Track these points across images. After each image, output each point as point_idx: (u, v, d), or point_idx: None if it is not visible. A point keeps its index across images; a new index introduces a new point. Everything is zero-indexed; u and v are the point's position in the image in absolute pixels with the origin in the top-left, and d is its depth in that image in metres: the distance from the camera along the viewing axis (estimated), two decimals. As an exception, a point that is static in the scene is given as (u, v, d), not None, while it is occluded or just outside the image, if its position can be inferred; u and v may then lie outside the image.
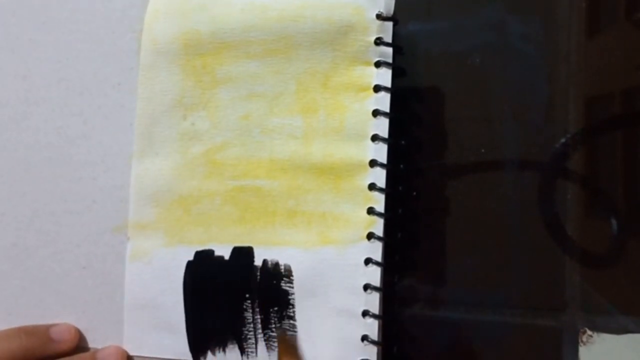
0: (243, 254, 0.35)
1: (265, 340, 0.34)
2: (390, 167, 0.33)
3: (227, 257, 0.35)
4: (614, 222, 0.33)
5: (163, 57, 0.36)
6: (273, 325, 0.34)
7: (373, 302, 0.33)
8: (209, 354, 0.36)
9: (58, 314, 0.39)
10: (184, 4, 0.35)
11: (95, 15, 0.39)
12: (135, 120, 0.37)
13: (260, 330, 0.34)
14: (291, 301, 0.34)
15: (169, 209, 0.36)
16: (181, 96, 0.36)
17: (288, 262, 0.34)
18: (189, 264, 0.36)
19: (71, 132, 0.39)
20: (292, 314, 0.34)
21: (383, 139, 0.33)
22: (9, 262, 0.40)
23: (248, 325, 0.35)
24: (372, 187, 0.33)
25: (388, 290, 0.34)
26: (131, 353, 0.37)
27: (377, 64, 0.33)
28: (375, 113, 0.33)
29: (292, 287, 0.34)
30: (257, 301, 0.34)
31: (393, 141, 0.33)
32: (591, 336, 0.32)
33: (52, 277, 0.39)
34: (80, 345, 0.38)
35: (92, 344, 0.38)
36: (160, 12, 0.36)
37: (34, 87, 0.40)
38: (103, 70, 0.39)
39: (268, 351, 0.34)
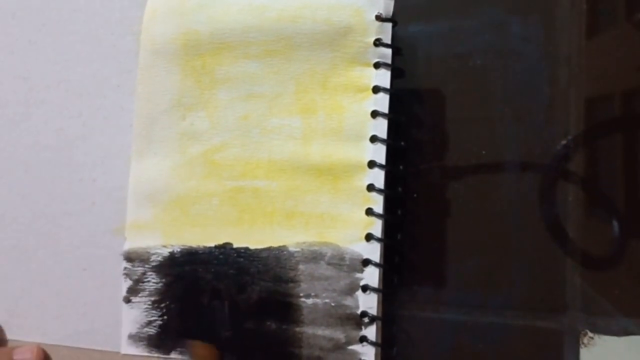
0: (240, 255, 0.35)
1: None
2: (390, 168, 0.33)
3: (224, 257, 0.35)
4: (615, 223, 0.32)
5: (162, 57, 0.36)
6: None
7: (371, 303, 0.33)
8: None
9: (58, 316, 0.39)
10: (182, 4, 0.35)
11: (95, 16, 0.39)
12: (134, 121, 0.37)
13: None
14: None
15: (167, 209, 0.36)
16: (180, 96, 0.36)
17: None
18: (186, 264, 0.35)
19: (71, 133, 0.39)
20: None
21: (382, 140, 0.33)
22: (9, 263, 0.40)
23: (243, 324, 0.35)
24: (370, 188, 0.33)
25: (387, 291, 0.34)
26: (128, 352, 0.37)
27: (376, 65, 0.33)
28: (374, 114, 0.33)
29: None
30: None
31: (392, 142, 0.33)
32: (592, 338, 0.32)
33: (53, 279, 0.39)
34: (76, 346, 0.38)
35: (92, 345, 0.38)
36: (158, 12, 0.36)
37: (33, 89, 0.40)
38: (102, 72, 0.39)
39: (265, 351, 0.34)
